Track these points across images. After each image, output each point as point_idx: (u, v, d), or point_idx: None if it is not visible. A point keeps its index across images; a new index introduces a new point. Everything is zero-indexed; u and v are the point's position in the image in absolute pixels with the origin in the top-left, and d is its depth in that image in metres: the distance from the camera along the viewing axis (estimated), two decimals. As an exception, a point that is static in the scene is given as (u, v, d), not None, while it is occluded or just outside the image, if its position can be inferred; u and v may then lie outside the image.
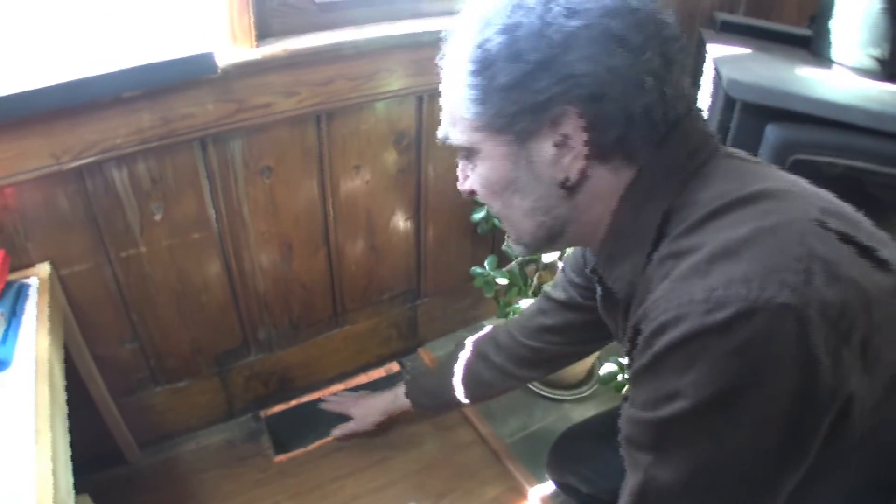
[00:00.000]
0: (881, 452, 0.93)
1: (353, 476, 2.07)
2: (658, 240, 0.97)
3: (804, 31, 2.32)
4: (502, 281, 2.20)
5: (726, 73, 1.98)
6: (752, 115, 1.98)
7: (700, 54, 2.33)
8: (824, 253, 0.83)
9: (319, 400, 2.34)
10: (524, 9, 0.93)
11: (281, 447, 2.18)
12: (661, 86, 0.94)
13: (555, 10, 0.92)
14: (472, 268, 2.22)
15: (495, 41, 0.94)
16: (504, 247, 2.10)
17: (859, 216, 0.96)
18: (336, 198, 2.05)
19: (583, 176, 0.99)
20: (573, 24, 0.91)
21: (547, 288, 1.65)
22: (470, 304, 2.61)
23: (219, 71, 1.62)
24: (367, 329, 2.41)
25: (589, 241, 1.09)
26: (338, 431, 2.16)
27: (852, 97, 1.89)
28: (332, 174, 2.00)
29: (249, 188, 1.88)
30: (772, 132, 1.95)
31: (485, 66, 0.96)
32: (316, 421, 2.26)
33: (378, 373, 2.48)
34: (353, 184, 2.06)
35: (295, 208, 2.00)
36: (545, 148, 0.97)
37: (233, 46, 1.69)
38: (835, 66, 2.11)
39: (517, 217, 1.08)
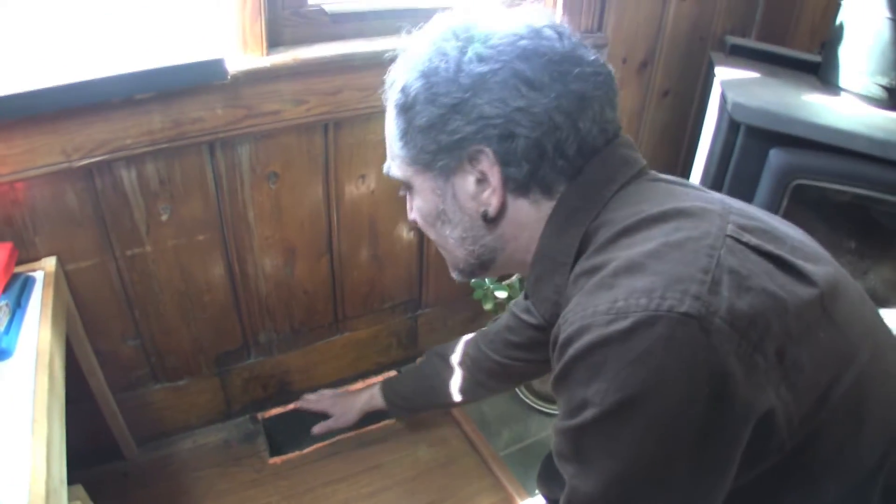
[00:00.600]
0: (814, 472, 0.95)
1: (346, 481, 2.08)
2: (577, 260, 1.02)
3: (814, 57, 2.34)
4: (501, 294, 2.21)
5: (732, 96, 2.00)
6: (756, 139, 2.01)
7: (709, 77, 2.35)
8: (734, 265, 0.86)
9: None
10: (442, 55, 1.01)
11: (276, 449, 2.19)
12: (574, 122, 1.00)
13: (469, 55, 1.00)
14: (472, 280, 2.23)
15: (415, 85, 1.03)
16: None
17: (788, 233, 1.00)
18: (341, 206, 2.08)
19: (502, 208, 1.06)
20: (483, 68, 0.98)
21: (513, 306, 1.70)
22: (470, 316, 2.62)
23: (229, 77, 1.65)
24: (368, 337, 2.42)
25: (520, 267, 1.15)
26: (318, 428, 2.20)
27: (857, 124, 1.91)
28: (338, 182, 2.03)
29: (255, 193, 1.91)
30: (775, 157, 1.97)
31: (406, 107, 1.05)
32: (312, 425, 2.26)
33: (376, 381, 2.47)
34: (358, 193, 2.08)
35: (300, 214, 2.02)
36: (468, 183, 1.06)
37: (244, 54, 1.71)
38: (842, 93, 2.13)
39: (450, 246, 1.17)
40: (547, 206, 1.05)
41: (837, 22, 2.11)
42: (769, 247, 0.91)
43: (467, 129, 1.00)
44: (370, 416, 2.20)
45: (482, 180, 1.04)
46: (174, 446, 2.18)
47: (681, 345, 0.80)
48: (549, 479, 1.73)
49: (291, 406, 2.35)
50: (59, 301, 1.58)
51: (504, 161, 1.01)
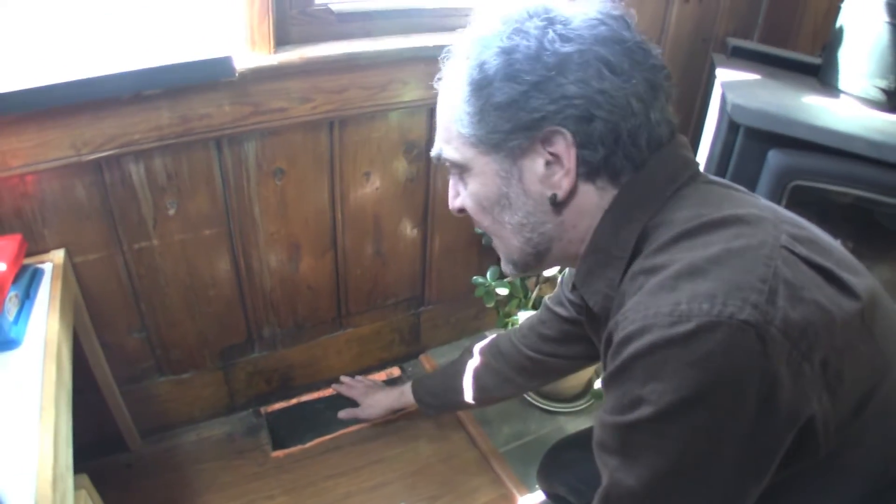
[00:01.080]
0: (842, 476, 0.96)
1: (348, 475, 2.10)
2: (633, 257, 1.02)
3: (815, 60, 2.35)
4: (503, 291, 2.22)
5: (732, 97, 2.01)
6: (755, 140, 2.02)
7: (711, 79, 2.37)
8: (789, 276, 0.87)
9: (320, 400, 2.39)
10: (522, 33, 0.99)
11: (279, 443, 2.21)
12: (647, 110, 1.00)
13: (550, 35, 0.98)
14: (474, 277, 2.25)
15: (494, 62, 1.00)
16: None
17: (832, 244, 1.01)
18: (345, 203, 2.10)
19: (571, 192, 1.04)
20: (567, 48, 0.97)
21: (548, 300, 1.69)
22: (473, 314, 2.64)
23: (237, 74, 1.67)
24: (371, 333, 2.44)
25: (573, 259, 1.14)
26: (344, 413, 2.23)
27: (855, 126, 1.92)
28: (343, 179, 2.05)
29: (261, 189, 1.93)
30: (773, 158, 1.98)
31: (483, 84, 1.02)
32: (315, 420, 2.30)
33: (379, 376, 2.51)
34: (362, 190, 2.10)
35: (305, 211, 2.04)
36: (537, 165, 1.03)
37: (251, 52, 1.74)
38: (842, 96, 2.14)
39: (506, 234, 1.13)
40: (609, 195, 1.04)
41: (837, 25, 2.13)
42: (818, 259, 0.92)
43: (549, 108, 0.99)
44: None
45: (552, 163, 1.03)
46: (178, 439, 2.20)
47: (739, 351, 0.82)
48: (549, 475, 1.74)
49: (294, 401, 2.37)
50: (66, 293, 1.60)
51: (581, 143, 1.00)
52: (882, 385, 0.93)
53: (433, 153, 1.16)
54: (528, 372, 1.77)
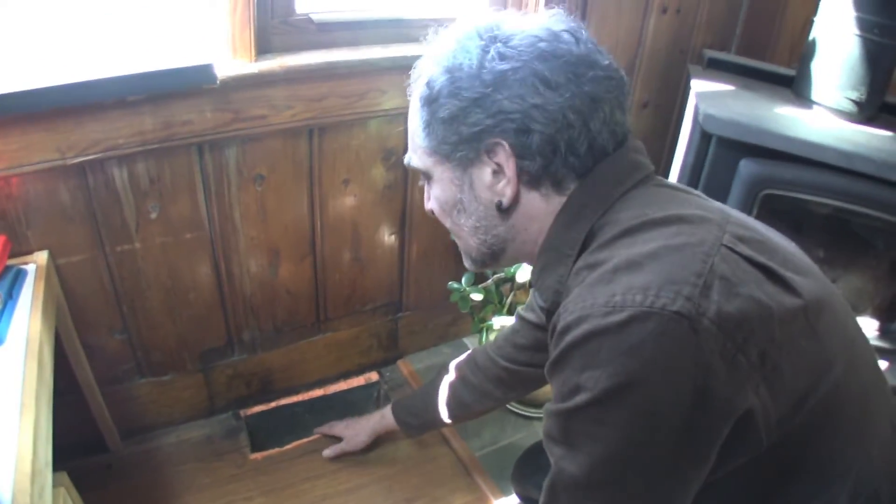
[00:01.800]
0: (791, 470, 1.00)
1: (325, 477, 2.12)
2: (580, 254, 1.07)
3: (790, 71, 2.39)
4: (478, 297, 2.25)
5: (704, 107, 2.05)
6: (727, 149, 2.06)
7: (687, 90, 2.40)
8: (726, 272, 0.91)
9: (299, 403, 2.41)
10: (466, 52, 1.07)
11: (258, 446, 2.23)
12: (586, 121, 1.06)
13: (491, 54, 1.05)
14: (450, 283, 2.28)
15: (440, 79, 1.08)
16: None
17: (781, 246, 1.06)
18: (324, 209, 2.12)
19: (515, 200, 1.11)
20: (504, 66, 1.04)
21: (521, 309, 1.73)
22: (450, 320, 2.66)
23: (218, 82, 1.70)
24: (349, 338, 2.46)
25: (528, 258, 1.20)
26: (329, 452, 2.20)
27: (826, 137, 1.97)
28: (322, 186, 2.08)
29: (242, 194, 1.96)
30: (745, 167, 2.02)
31: (431, 100, 1.10)
32: (294, 423, 2.32)
33: (357, 381, 2.53)
34: (341, 197, 2.13)
35: (284, 216, 2.07)
36: (485, 174, 1.11)
37: (233, 60, 1.77)
38: (815, 107, 2.18)
39: (464, 234, 1.21)
40: (556, 202, 1.10)
41: (810, 38, 2.16)
42: (761, 258, 0.96)
43: (487, 122, 1.06)
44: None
45: (498, 172, 1.09)
46: (158, 440, 2.21)
47: (671, 340, 0.85)
48: (523, 479, 1.76)
49: (274, 404, 2.39)
50: (49, 293, 1.62)
51: (519, 154, 1.06)
52: (825, 381, 0.96)
53: (405, 161, 1.24)
54: (506, 383, 1.79)
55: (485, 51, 1.05)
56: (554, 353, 0.96)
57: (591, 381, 0.88)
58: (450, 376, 1.89)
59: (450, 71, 1.07)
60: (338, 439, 2.22)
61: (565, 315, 0.95)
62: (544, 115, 1.03)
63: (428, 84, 1.10)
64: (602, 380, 0.87)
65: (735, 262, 0.94)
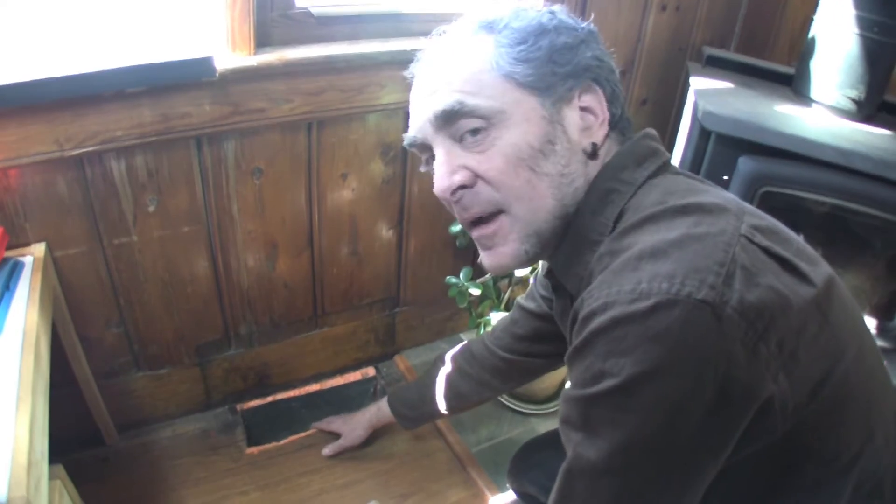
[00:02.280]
0: (803, 456, 1.00)
1: (321, 472, 2.13)
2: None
3: (789, 69, 2.40)
4: (475, 292, 2.24)
5: (703, 104, 2.06)
6: (726, 146, 2.07)
7: (686, 87, 2.41)
8: (746, 262, 0.91)
9: (295, 398, 2.41)
10: (553, 12, 1.14)
11: (254, 440, 2.23)
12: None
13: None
14: (448, 278, 2.28)
15: (546, 17, 1.11)
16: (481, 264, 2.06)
17: (792, 236, 1.05)
18: (322, 203, 2.12)
19: (602, 143, 1.13)
20: (587, 26, 1.14)
21: (520, 299, 1.72)
22: (448, 315, 2.67)
23: (217, 75, 1.70)
24: (346, 332, 2.46)
25: (548, 245, 1.16)
26: (328, 450, 2.19)
27: (824, 135, 1.97)
28: (320, 180, 2.08)
29: (240, 188, 1.96)
30: (743, 164, 2.02)
31: (541, 31, 1.10)
32: (290, 418, 2.33)
33: (354, 376, 2.54)
34: (339, 191, 2.13)
35: (282, 210, 2.07)
36: (575, 114, 1.11)
37: (232, 53, 1.77)
38: (814, 105, 2.19)
39: (542, 190, 1.09)
40: (597, 166, 1.13)
41: (810, 36, 2.17)
42: (777, 248, 0.96)
43: (592, 63, 1.11)
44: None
45: (587, 112, 1.12)
46: (154, 434, 2.21)
47: (695, 328, 0.85)
48: (519, 474, 1.76)
49: (270, 398, 2.39)
50: (46, 286, 1.62)
51: (609, 99, 1.12)
52: (837, 368, 0.97)
53: (439, 107, 1.08)
54: (503, 374, 1.78)
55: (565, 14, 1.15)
56: (577, 339, 0.95)
57: (617, 367, 0.88)
58: (446, 368, 1.88)
59: (554, 14, 1.13)
60: (335, 436, 2.21)
61: (590, 301, 0.94)
62: (613, 74, 1.14)
63: (532, 20, 1.11)
64: (627, 367, 0.87)
65: (754, 252, 0.94)
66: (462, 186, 1.10)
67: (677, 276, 0.87)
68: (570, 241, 1.13)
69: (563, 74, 1.09)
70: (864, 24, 2.00)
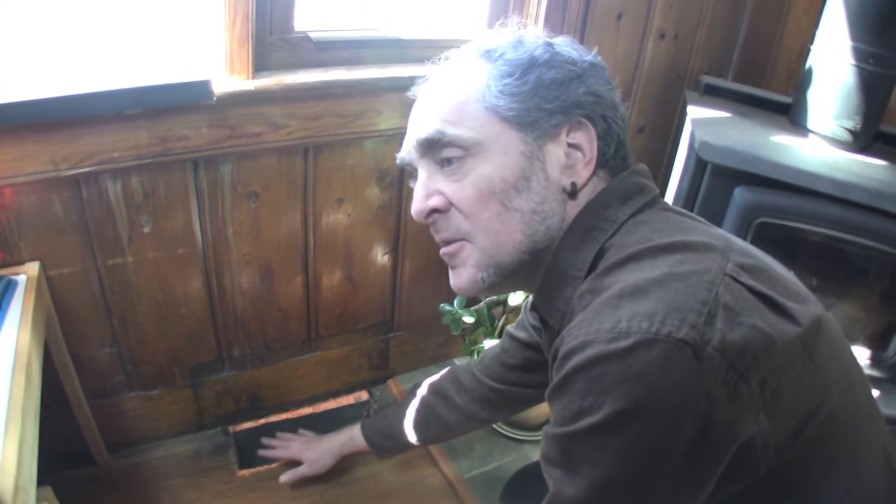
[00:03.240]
0: (786, 496, 0.99)
1: (312, 496, 2.11)
2: (585, 276, 1.07)
3: (786, 99, 2.41)
4: (469, 319, 2.24)
5: (700, 135, 2.07)
6: (722, 177, 2.08)
7: (683, 116, 2.41)
8: (729, 301, 0.91)
9: (288, 421, 2.39)
10: (551, 43, 1.13)
11: (246, 462, 2.22)
12: (623, 129, 1.14)
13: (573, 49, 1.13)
14: (442, 305, 2.28)
15: (540, 51, 1.10)
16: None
17: (781, 274, 1.06)
18: (318, 227, 2.13)
19: (585, 183, 1.12)
20: (590, 59, 1.12)
21: (510, 328, 1.70)
22: (442, 341, 2.66)
23: (215, 98, 1.71)
24: (340, 356, 2.46)
25: (527, 280, 1.18)
26: (286, 477, 2.08)
27: (820, 165, 1.98)
28: (316, 204, 2.08)
29: (236, 211, 1.96)
30: (739, 195, 2.03)
31: (531, 65, 1.09)
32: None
33: (347, 400, 2.53)
34: (334, 215, 2.14)
35: (277, 234, 2.07)
36: (559, 152, 1.10)
37: (230, 76, 1.78)
38: (810, 135, 2.20)
39: (511, 224, 1.10)
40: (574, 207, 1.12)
41: (807, 66, 2.18)
42: (762, 287, 0.96)
43: (584, 99, 1.09)
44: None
45: (570, 152, 1.10)
46: (145, 454, 2.20)
47: (675, 367, 0.85)
48: (511, 501, 1.74)
49: (263, 421, 2.38)
50: (39, 305, 1.61)
51: (601, 137, 1.10)
52: (822, 407, 0.96)
53: (422, 135, 1.11)
54: (494, 404, 1.75)
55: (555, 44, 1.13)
56: (556, 377, 0.95)
57: (595, 406, 0.88)
58: (428, 397, 1.84)
59: (550, 46, 1.11)
60: (296, 462, 2.12)
61: (569, 339, 0.94)
62: (615, 111, 1.12)
63: (526, 52, 1.10)
64: (606, 405, 0.87)
65: (738, 291, 0.94)
66: (437, 210, 1.13)
67: (658, 315, 0.87)
68: (550, 277, 1.13)
69: (550, 110, 1.08)
70: (859, 55, 2.01)
